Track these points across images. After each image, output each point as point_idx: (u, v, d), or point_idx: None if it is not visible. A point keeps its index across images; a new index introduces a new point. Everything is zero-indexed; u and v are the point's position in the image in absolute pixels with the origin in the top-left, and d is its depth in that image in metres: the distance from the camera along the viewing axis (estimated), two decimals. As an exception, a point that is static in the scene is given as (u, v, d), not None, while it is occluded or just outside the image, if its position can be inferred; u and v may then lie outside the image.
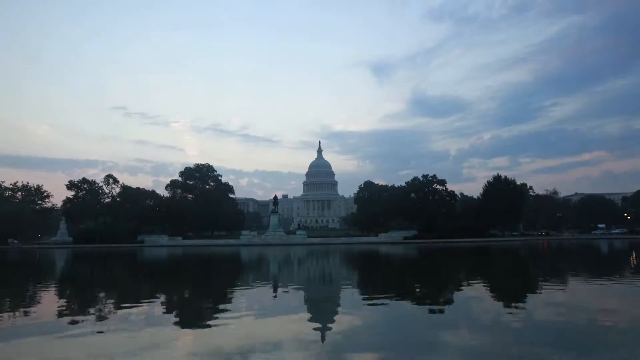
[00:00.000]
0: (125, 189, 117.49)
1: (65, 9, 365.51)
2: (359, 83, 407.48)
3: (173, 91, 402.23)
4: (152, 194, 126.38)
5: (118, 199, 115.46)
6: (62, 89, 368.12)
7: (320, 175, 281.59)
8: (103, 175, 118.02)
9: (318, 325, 10.42)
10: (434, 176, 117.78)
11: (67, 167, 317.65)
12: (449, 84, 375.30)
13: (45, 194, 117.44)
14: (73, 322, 11.00)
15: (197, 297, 16.80)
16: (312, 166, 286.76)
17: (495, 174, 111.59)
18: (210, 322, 10.76)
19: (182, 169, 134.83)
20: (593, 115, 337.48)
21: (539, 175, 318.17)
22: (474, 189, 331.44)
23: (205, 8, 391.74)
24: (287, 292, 17.47)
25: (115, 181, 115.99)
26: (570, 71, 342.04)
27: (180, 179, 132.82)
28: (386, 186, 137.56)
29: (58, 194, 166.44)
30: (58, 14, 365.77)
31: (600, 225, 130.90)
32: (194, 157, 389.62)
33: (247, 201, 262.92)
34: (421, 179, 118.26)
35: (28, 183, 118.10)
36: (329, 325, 10.32)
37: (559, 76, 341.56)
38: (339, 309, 13.01)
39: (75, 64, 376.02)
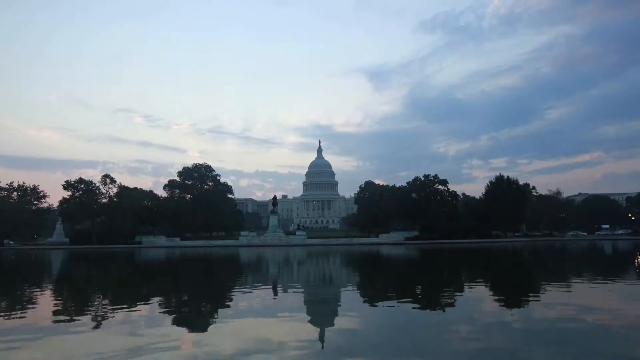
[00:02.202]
0: (123, 189, 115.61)
1: (69, 11, 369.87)
2: (357, 87, 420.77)
3: (175, 94, 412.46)
4: (150, 194, 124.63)
5: (115, 199, 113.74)
6: (65, 90, 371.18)
7: (320, 175, 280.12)
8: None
9: (318, 327, 10.27)
10: (436, 176, 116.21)
11: (67, 168, 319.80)
12: (445, 89, 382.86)
13: (41, 194, 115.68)
14: (67, 324, 10.85)
15: (196, 299, 16.52)
16: (312, 166, 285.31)
17: (498, 174, 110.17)
18: (208, 324, 10.68)
19: (181, 169, 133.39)
20: (589, 118, 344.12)
21: (537, 176, 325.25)
22: (473, 190, 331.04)
23: (208, 14, 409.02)
24: (286, 294, 17.20)
25: (113, 181, 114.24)
26: (562, 77, 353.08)
27: (178, 179, 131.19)
28: (387, 186, 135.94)
29: (57, 195, 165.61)
30: (62, 16, 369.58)
31: (604, 226, 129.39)
32: (195, 158, 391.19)
33: (246, 201, 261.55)
34: (423, 178, 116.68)
35: (24, 183, 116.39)
36: (329, 327, 10.18)
37: (551, 82, 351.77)
38: (339, 311, 12.85)
39: (79, 66, 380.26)
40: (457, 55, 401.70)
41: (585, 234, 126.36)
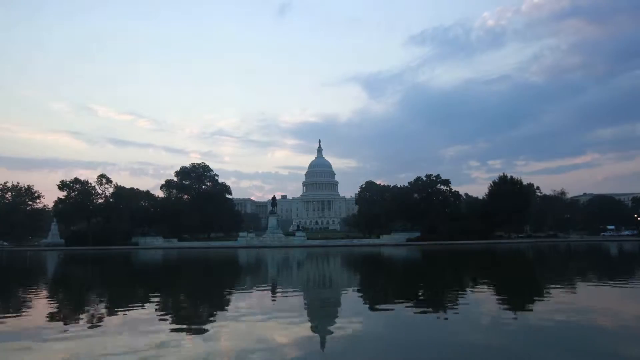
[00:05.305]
0: (119, 189, 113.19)
1: (77, 13, 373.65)
2: (353, 94, 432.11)
3: (178, 98, 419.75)
4: (147, 194, 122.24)
5: (111, 200, 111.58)
6: (69, 93, 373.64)
7: (320, 175, 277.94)
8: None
9: (318, 329, 10.24)
10: (438, 176, 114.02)
11: (68, 169, 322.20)
12: (438, 95, 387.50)
13: (36, 194, 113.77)
14: (64, 327, 10.82)
15: (194, 301, 16.54)
16: (311, 166, 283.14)
17: (501, 174, 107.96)
18: (207, 326, 10.71)
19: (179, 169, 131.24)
20: (583, 122, 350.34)
21: (535, 177, 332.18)
22: (472, 191, 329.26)
23: (211, 22, 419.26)
24: (285, 296, 16.97)
25: (109, 181, 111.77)
26: (551, 85, 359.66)
27: (175, 179, 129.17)
28: (388, 186, 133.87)
29: (56, 196, 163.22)
30: (68, 18, 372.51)
31: (609, 227, 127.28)
32: (196, 160, 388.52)
33: (245, 202, 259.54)
34: (424, 178, 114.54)
35: (18, 183, 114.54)
36: (329, 329, 10.09)
37: (541, 89, 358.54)
38: (340, 313, 12.79)
39: (84, 69, 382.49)
40: (447, 65, 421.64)
41: (584, 233, 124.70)
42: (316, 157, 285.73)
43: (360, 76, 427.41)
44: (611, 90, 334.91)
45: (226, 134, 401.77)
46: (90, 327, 10.64)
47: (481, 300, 14.54)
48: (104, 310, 13.74)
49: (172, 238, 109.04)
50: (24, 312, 13.39)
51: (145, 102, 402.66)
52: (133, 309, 13.47)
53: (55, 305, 15.30)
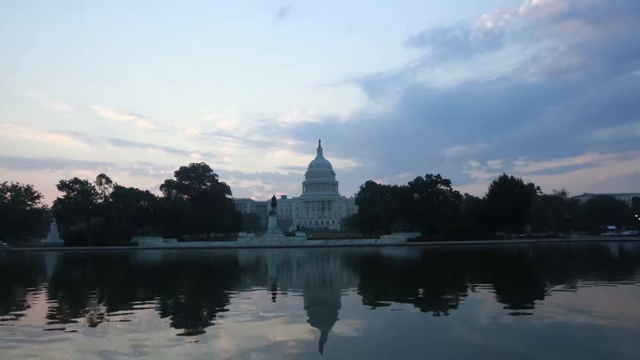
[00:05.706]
0: (119, 189, 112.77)
1: (77, 13, 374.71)
2: (353, 95, 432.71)
3: (179, 99, 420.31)
4: (147, 194, 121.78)
5: (111, 200, 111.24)
6: (70, 94, 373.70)
7: (320, 175, 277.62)
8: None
9: (318, 330, 10.18)
10: (438, 176, 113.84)
11: (69, 169, 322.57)
12: (437, 96, 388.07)
13: (35, 194, 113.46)
14: (64, 327, 10.75)
15: (194, 301, 16.53)
16: (311, 166, 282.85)
17: (502, 175, 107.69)
18: (207, 326, 10.73)
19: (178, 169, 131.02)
20: (582, 122, 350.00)
21: (534, 177, 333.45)
22: (472, 191, 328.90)
23: (212, 23, 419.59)
24: (285, 296, 17.00)
25: (108, 181, 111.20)
26: (551, 85, 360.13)
27: (175, 179, 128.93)
28: (388, 186, 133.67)
29: (55, 196, 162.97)
30: (69, 18, 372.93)
31: (610, 227, 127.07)
32: (197, 160, 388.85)
33: (245, 202, 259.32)
34: (425, 179, 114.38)
35: (18, 183, 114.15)
36: (329, 330, 10.06)
37: (541, 90, 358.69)
38: (339, 313, 12.74)
39: (84, 69, 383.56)
40: (447, 66, 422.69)
41: (585, 234, 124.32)
42: (316, 157, 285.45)
43: (360, 77, 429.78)
44: (611, 91, 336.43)
45: (226, 134, 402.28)
46: (90, 327, 10.65)
47: (481, 301, 14.57)
48: (104, 310, 13.78)
49: (172, 238, 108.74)
50: (24, 312, 13.38)
51: (145, 102, 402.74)
52: (133, 309, 13.47)
53: (55, 305, 15.28)
